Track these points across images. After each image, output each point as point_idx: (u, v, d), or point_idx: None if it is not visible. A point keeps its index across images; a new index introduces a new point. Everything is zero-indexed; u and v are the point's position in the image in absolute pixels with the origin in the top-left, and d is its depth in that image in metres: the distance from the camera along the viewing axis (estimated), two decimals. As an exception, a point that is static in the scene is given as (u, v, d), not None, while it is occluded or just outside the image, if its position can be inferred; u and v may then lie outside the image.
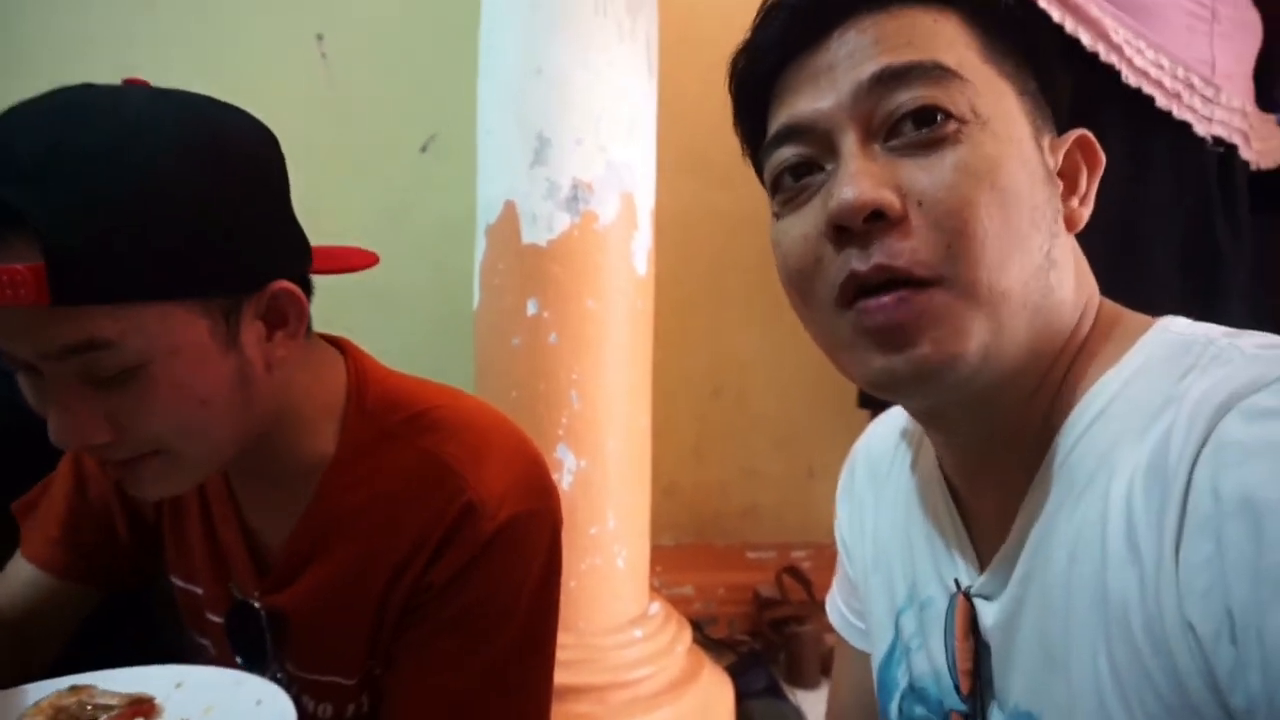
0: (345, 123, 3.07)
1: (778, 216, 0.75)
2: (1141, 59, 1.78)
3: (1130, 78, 1.78)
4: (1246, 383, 0.61)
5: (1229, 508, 0.57)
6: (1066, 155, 0.75)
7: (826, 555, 3.33)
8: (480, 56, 2.22)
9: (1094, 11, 1.77)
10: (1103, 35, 1.77)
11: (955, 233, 0.66)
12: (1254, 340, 0.67)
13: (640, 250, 2.20)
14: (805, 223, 0.71)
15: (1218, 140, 1.85)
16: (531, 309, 2.11)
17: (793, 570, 3.10)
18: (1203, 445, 0.60)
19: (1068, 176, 0.75)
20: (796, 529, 3.29)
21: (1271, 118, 1.96)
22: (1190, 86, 1.80)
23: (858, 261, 0.66)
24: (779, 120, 0.75)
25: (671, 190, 2.62)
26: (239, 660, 1.13)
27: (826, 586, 1.10)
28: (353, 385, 1.09)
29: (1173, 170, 1.83)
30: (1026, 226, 0.68)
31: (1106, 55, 1.77)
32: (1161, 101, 1.80)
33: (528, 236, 2.11)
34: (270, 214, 0.95)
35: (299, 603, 1.08)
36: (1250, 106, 1.91)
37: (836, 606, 1.07)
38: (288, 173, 0.99)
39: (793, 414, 3.30)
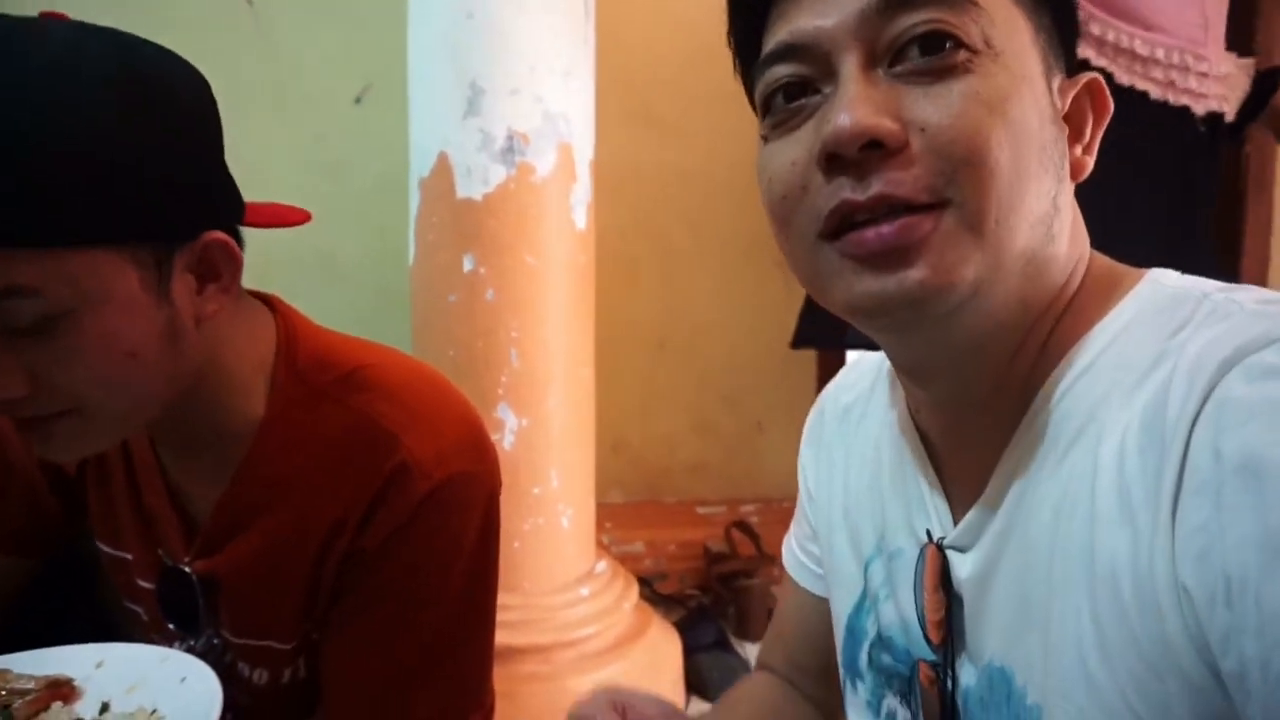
0: (275, 73, 2.95)
1: (765, 140, 0.70)
2: (1135, 55, 1.73)
3: (1123, 77, 1.74)
4: (1251, 339, 0.58)
5: (1230, 468, 0.55)
6: (1075, 99, 0.71)
7: (775, 510, 3.36)
8: None
9: (1080, 15, 1.72)
10: (1095, 40, 1.72)
11: (962, 160, 0.61)
12: (1253, 295, 0.64)
13: (580, 204, 2.15)
14: (795, 148, 0.66)
15: (1210, 114, 1.82)
16: (468, 265, 2.05)
17: (742, 525, 3.11)
18: (1203, 404, 0.58)
19: (1074, 122, 0.71)
20: (746, 484, 3.29)
21: (1233, 59, 1.93)
22: (1185, 69, 1.76)
23: (852, 191, 0.62)
24: (776, 36, 0.69)
25: (612, 143, 2.56)
26: (171, 626, 1.10)
27: (775, 541, 1.08)
28: (283, 343, 1.05)
29: (1165, 149, 1.81)
30: (1036, 166, 0.64)
31: (1097, 60, 1.72)
32: (1156, 93, 1.76)
33: (462, 190, 2.05)
34: (203, 160, 0.91)
35: (231, 567, 1.05)
36: (1230, 61, 1.88)
37: (791, 549, 1.06)
38: (220, 120, 0.94)
39: (741, 368, 3.29)
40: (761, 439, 3.32)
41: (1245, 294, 0.65)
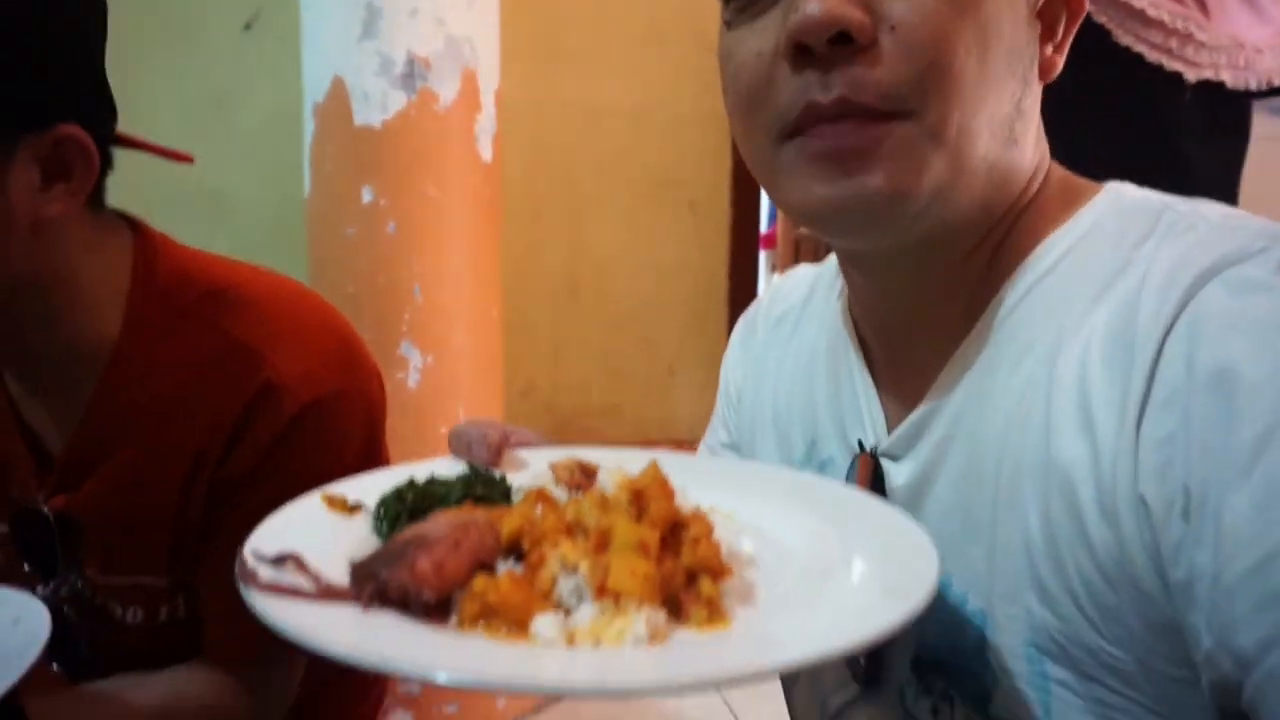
0: (155, 1, 2.77)
1: (729, 26, 0.67)
2: (1133, 11, 1.69)
3: (1122, 37, 1.71)
4: (1230, 251, 0.57)
5: (1201, 381, 0.54)
6: None
7: (688, 452, 3.36)
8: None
9: None
10: None
11: (929, 64, 0.59)
12: (1215, 209, 0.63)
13: (484, 134, 2.07)
14: (761, 38, 0.64)
15: (1202, 83, 1.80)
16: (367, 197, 1.97)
17: (654, 467, 3.11)
18: (1178, 316, 0.56)
19: (1046, 19, 0.68)
20: (657, 426, 3.29)
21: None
22: (1187, 37, 1.73)
23: (818, 91, 0.60)
24: None
25: (515, 76, 2.48)
26: (27, 569, 1.02)
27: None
28: (140, 262, 0.97)
29: (1157, 115, 1.79)
30: (1003, 69, 0.63)
31: (1098, 15, 1.68)
32: (1151, 56, 1.74)
33: (360, 117, 1.95)
34: (67, 46, 0.83)
35: (91, 504, 0.98)
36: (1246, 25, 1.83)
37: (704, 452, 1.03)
38: (104, 18, 0.87)
39: (653, 311, 3.27)
40: (673, 382, 3.32)
41: (1207, 206, 0.64)
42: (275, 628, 0.49)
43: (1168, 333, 0.56)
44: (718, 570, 0.58)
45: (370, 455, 1.02)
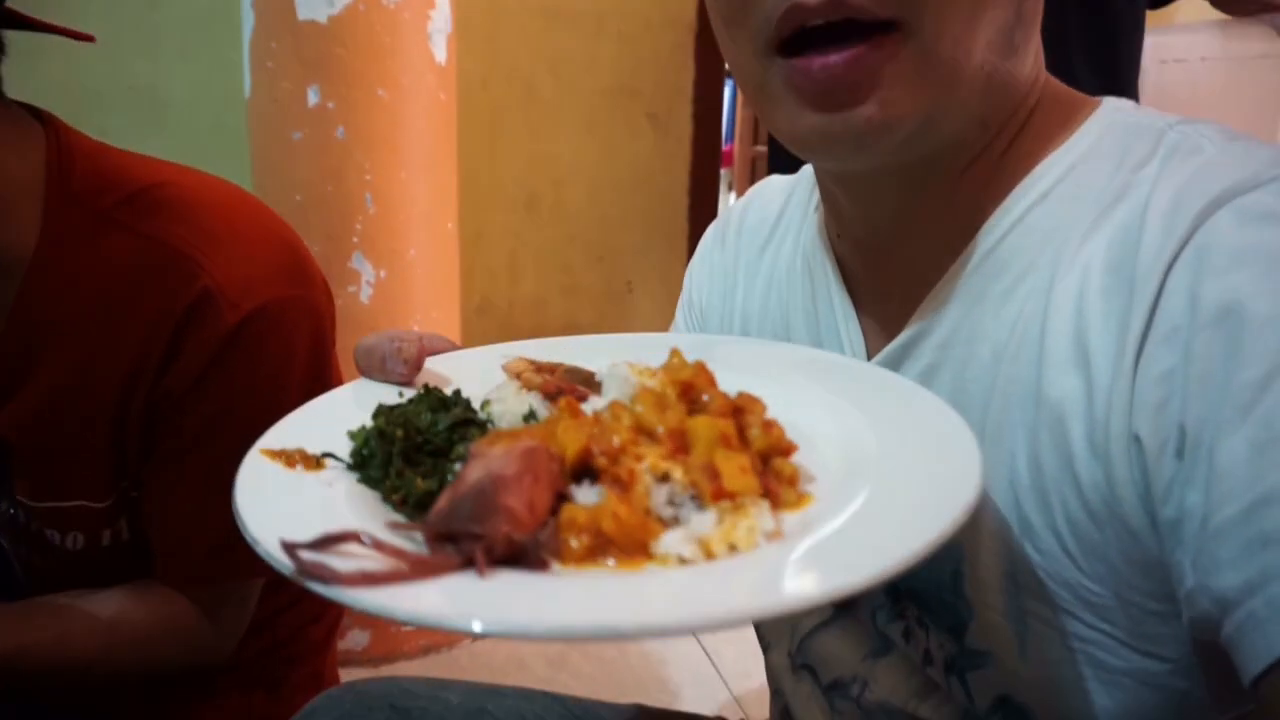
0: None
1: None
2: None
3: None
4: (1241, 179, 0.53)
5: (1205, 317, 0.51)
6: None
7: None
8: None
9: None
10: None
11: None
12: (1215, 129, 0.59)
13: (439, 33, 1.95)
14: None
15: None
16: (313, 98, 1.84)
17: (612, 386, 3.07)
18: (1183, 246, 0.53)
19: None
20: (616, 345, 3.23)
21: None
22: None
23: None
24: None
25: (473, -30, 2.34)
26: None
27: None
28: (54, 162, 0.89)
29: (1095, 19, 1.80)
30: None
31: None
32: None
33: (304, 11, 1.82)
34: None
35: (16, 424, 0.91)
36: None
37: None
38: None
39: (611, 227, 3.18)
40: (632, 298, 3.25)
41: (1210, 128, 0.60)
42: (410, 621, 0.42)
43: (1171, 264, 0.54)
44: (788, 448, 0.56)
45: (319, 370, 0.96)
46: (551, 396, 0.64)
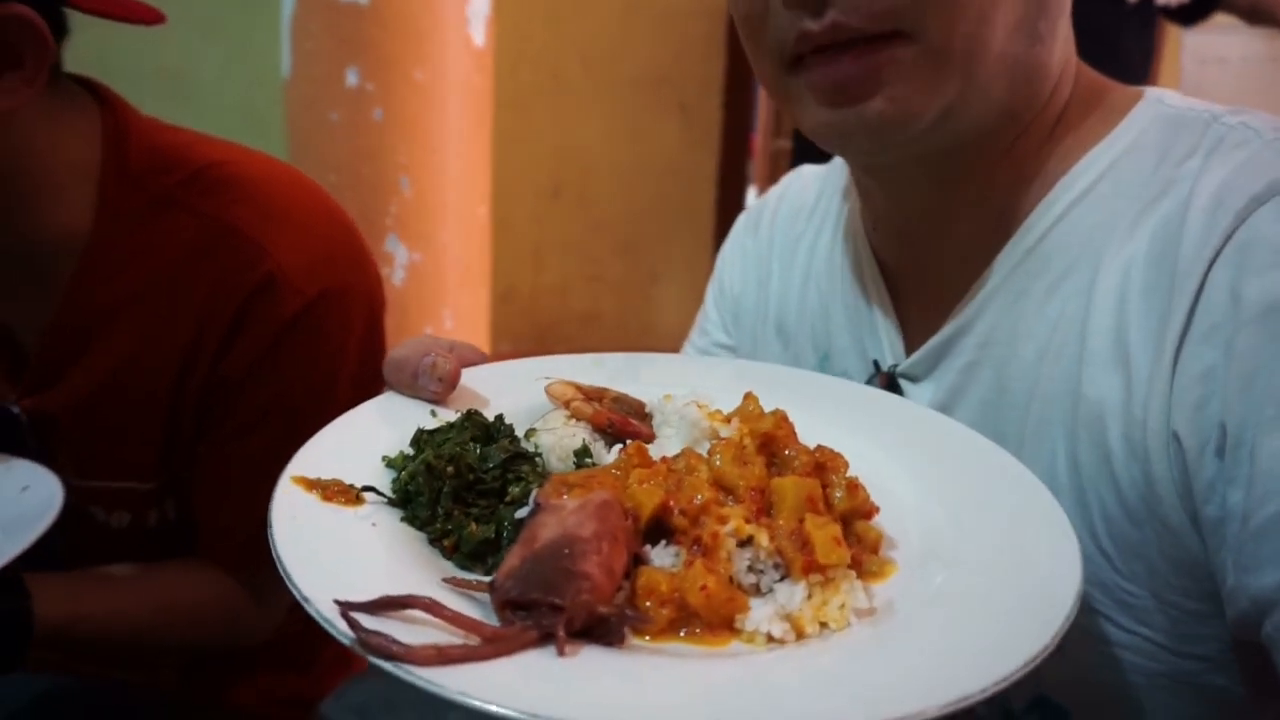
0: None
1: None
2: None
3: None
4: None
5: (1248, 314, 0.51)
6: None
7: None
8: None
9: None
10: None
11: None
12: (1263, 120, 0.59)
13: (477, 16, 1.93)
14: None
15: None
16: (351, 79, 1.83)
17: (635, 377, 3.06)
18: (1226, 242, 0.53)
19: None
20: (639, 335, 3.22)
21: None
22: None
23: (810, 20, 0.58)
24: None
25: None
26: None
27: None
28: (111, 142, 0.87)
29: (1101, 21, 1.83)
30: None
31: None
32: None
33: (344, -9, 1.81)
34: None
35: (68, 403, 0.90)
36: None
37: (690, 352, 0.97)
38: None
39: (636, 217, 3.17)
40: (656, 289, 3.24)
41: (1254, 118, 0.59)
42: (491, 714, 0.37)
43: (1213, 261, 0.53)
44: (871, 510, 0.52)
45: (370, 358, 0.95)
46: (603, 430, 0.60)
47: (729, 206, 3.10)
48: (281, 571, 0.45)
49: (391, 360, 0.64)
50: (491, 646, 0.40)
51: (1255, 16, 2.34)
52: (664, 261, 3.21)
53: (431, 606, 0.42)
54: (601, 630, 0.43)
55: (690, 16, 3.00)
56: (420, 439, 0.57)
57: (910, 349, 0.70)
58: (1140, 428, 0.55)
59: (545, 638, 0.41)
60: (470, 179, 2.00)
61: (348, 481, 0.54)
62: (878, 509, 0.52)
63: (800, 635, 0.44)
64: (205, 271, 0.86)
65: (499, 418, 0.60)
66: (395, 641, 0.39)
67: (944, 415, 0.64)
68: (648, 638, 0.44)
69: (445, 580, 0.46)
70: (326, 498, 0.53)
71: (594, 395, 0.63)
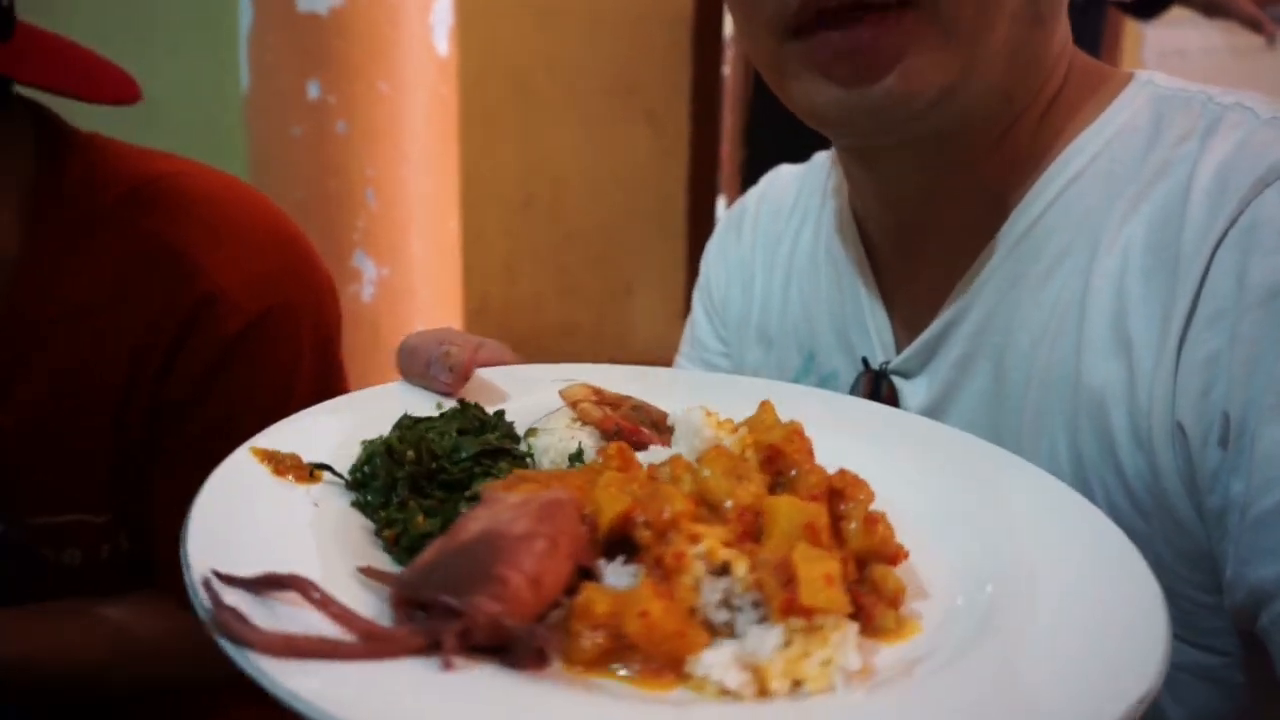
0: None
1: None
2: None
3: None
4: None
5: (1253, 298, 0.50)
6: None
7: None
8: None
9: None
10: None
11: None
12: (1260, 100, 0.58)
13: (440, 25, 1.91)
14: None
15: None
16: (313, 92, 1.80)
17: (612, 388, 3.04)
18: (1231, 225, 0.52)
19: None
20: (615, 346, 3.20)
21: None
22: None
23: None
24: None
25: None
26: None
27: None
28: (45, 159, 0.84)
29: None
30: None
31: None
32: None
33: (304, 3, 1.78)
34: None
35: (6, 428, 0.86)
36: None
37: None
38: None
39: (608, 227, 3.15)
40: (631, 300, 3.22)
41: (1251, 98, 0.58)
42: (311, 711, 0.32)
43: (1218, 244, 0.52)
44: (895, 554, 0.43)
45: (325, 376, 0.92)
46: (610, 436, 0.54)
47: (700, 216, 3.09)
48: (181, 536, 0.41)
49: (405, 347, 0.62)
50: (364, 646, 0.35)
51: (1212, 10, 2.38)
52: (638, 272, 3.20)
53: (307, 590, 0.37)
54: (513, 650, 0.36)
55: (656, 25, 2.99)
56: (403, 424, 0.53)
57: (901, 346, 0.69)
58: (1145, 417, 0.54)
59: (434, 646, 0.35)
60: (438, 191, 1.98)
61: (309, 459, 0.50)
62: (906, 553, 0.43)
63: (764, 691, 0.36)
64: (142, 290, 0.84)
65: (499, 413, 0.56)
66: (245, 622, 0.34)
67: (1011, 454, 0.55)
68: (580, 669, 0.36)
69: (360, 569, 0.41)
70: (278, 471, 0.49)
71: (612, 402, 0.58)
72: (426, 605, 0.36)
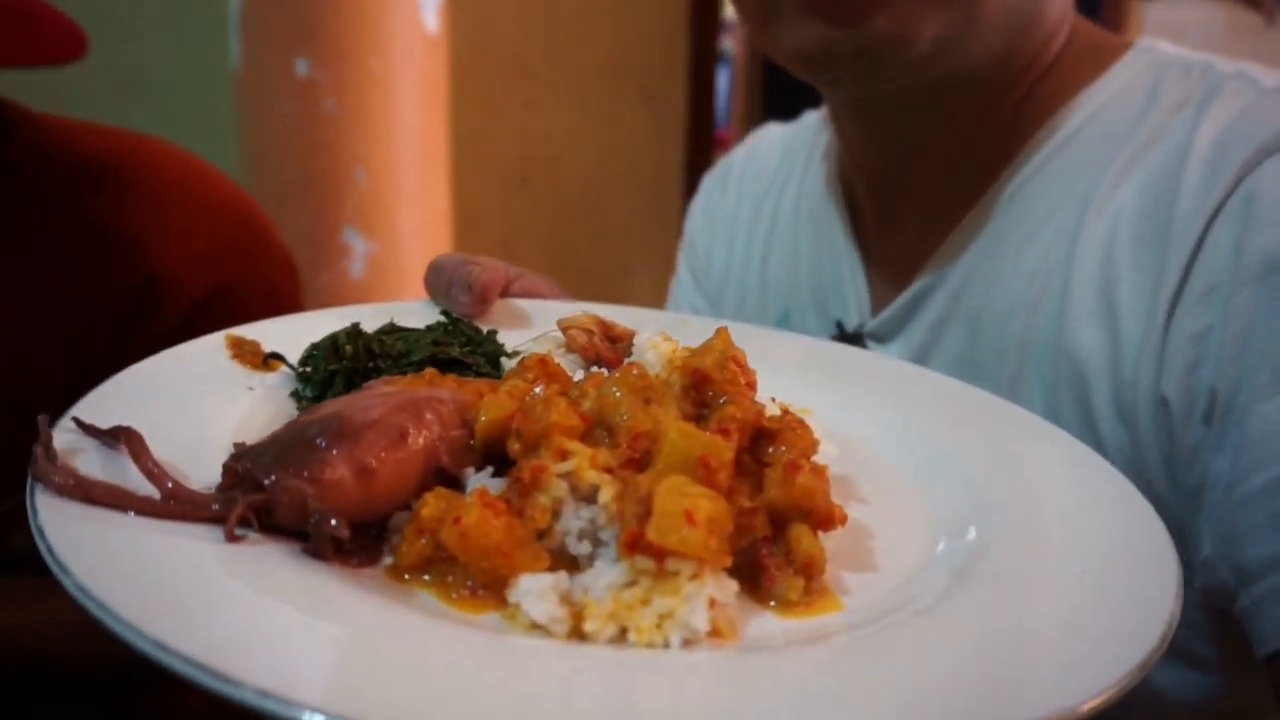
0: None
1: None
2: None
3: None
4: None
5: (1249, 272, 0.49)
6: None
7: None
8: None
9: None
10: None
11: None
12: (1259, 70, 0.57)
13: (430, 2, 1.91)
14: None
15: None
16: (302, 69, 1.81)
17: (608, 367, 3.05)
18: (1228, 196, 0.51)
19: None
20: (611, 325, 3.20)
21: None
22: None
23: None
24: None
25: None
26: None
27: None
28: None
29: None
30: None
31: None
32: None
33: (292, -20, 1.79)
34: None
35: None
36: None
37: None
38: None
39: (605, 206, 3.14)
40: (630, 281, 3.22)
41: (1252, 68, 0.57)
42: (50, 555, 0.31)
43: (1214, 215, 0.51)
44: (826, 516, 0.37)
45: None
46: (591, 364, 0.54)
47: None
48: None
49: (433, 265, 0.62)
50: (158, 504, 0.34)
51: None
52: (636, 250, 3.19)
53: (133, 442, 0.36)
54: (314, 541, 0.34)
55: (651, 3, 2.98)
56: (383, 330, 0.54)
57: (877, 310, 0.68)
58: (1129, 388, 0.53)
59: (221, 518, 0.34)
60: (429, 168, 1.98)
61: (269, 349, 0.51)
62: (843, 517, 0.38)
63: (577, 632, 0.32)
64: (81, 277, 0.82)
65: (491, 333, 0.56)
66: (52, 464, 0.34)
67: (1004, 400, 0.53)
68: (403, 574, 0.34)
69: (236, 445, 0.40)
70: (236, 355, 0.50)
71: (619, 336, 0.57)
72: (244, 477, 0.36)
